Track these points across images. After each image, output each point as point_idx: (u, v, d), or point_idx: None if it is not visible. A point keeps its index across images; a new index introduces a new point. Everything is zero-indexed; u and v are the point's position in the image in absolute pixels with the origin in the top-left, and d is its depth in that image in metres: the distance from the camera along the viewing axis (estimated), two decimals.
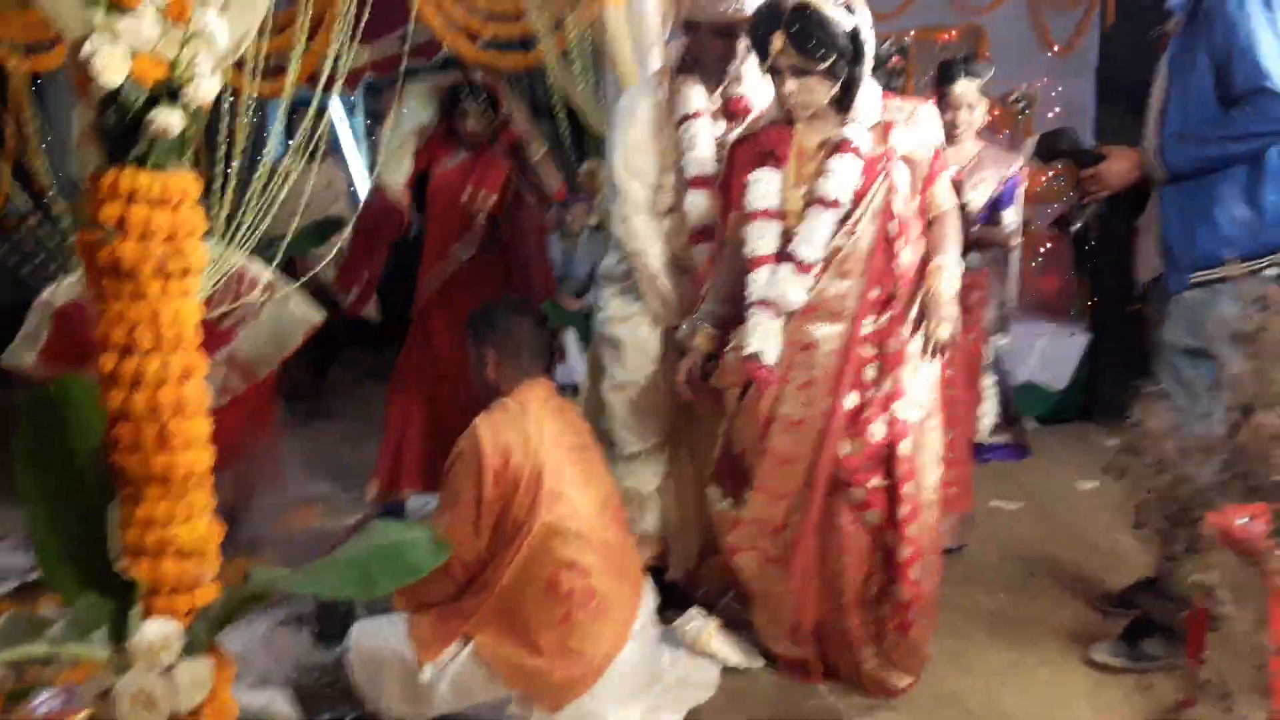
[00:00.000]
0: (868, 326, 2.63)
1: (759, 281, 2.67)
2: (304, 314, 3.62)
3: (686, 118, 2.92)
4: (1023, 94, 5.85)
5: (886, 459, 2.65)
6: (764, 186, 2.70)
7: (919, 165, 2.66)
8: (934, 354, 2.57)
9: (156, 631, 1.75)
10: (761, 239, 2.69)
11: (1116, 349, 5.14)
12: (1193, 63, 2.67)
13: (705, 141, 2.92)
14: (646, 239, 2.95)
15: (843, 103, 2.62)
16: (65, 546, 1.78)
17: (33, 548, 1.75)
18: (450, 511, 2.55)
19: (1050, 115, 5.73)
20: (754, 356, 2.64)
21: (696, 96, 2.94)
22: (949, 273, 2.61)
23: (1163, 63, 2.83)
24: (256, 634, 2.83)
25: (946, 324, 2.55)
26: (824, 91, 2.57)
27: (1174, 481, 2.02)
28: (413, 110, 3.90)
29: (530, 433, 2.59)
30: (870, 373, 2.66)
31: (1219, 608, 2.07)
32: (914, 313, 2.64)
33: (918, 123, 2.67)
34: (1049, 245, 5.84)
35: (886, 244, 2.61)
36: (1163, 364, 2.78)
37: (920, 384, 2.68)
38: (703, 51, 2.94)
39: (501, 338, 2.71)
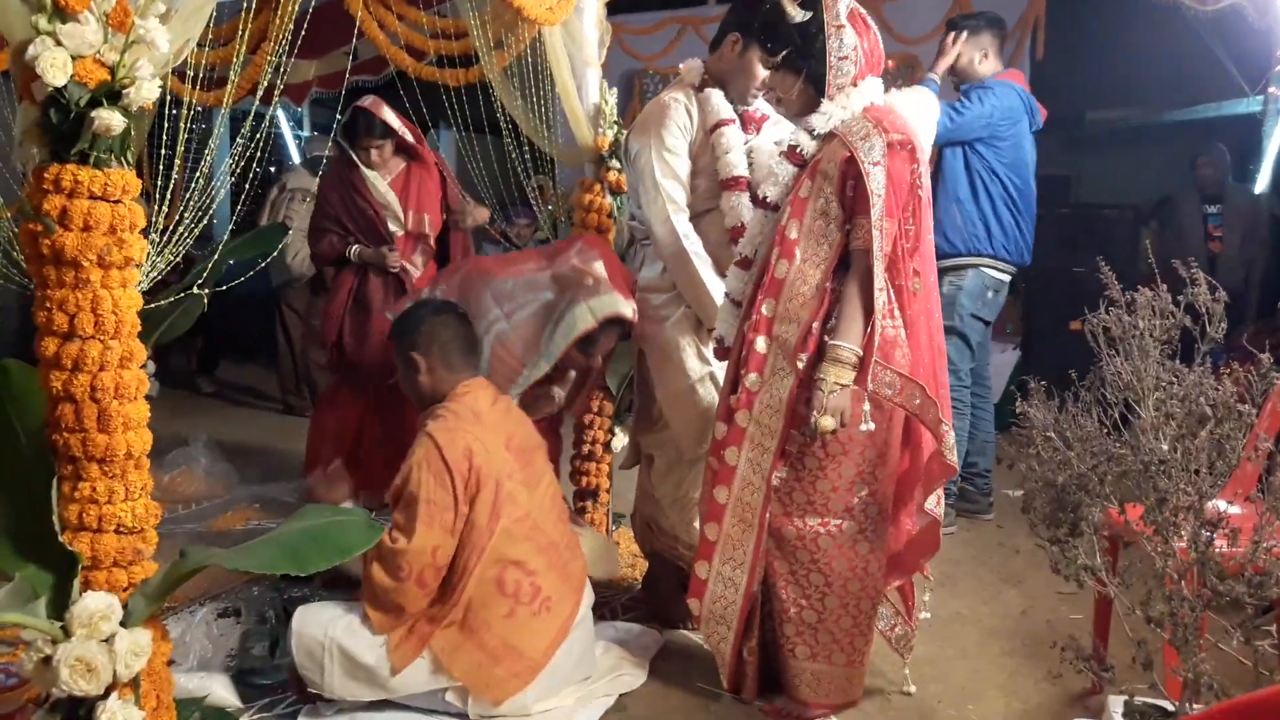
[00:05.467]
0: (748, 328, 2.62)
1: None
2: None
3: (720, 124, 3.07)
4: None
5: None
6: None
7: (831, 181, 2.48)
8: (812, 438, 2.47)
9: (97, 602, 1.83)
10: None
11: (1044, 364, 5.32)
12: None
13: (737, 145, 3.06)
14: (689, 236, 3.05)
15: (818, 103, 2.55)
16: (7, 521, 1.86)
17: None
18: (422, 520, 2.47)
19: None
20: (719, 340, 2.80)
21: (725, 106, 3.09)
22: (840, 352, 2.44)
23: None
24: (195, 621, 2.87)
25: (828, 418, 2.40)
26: (789, 85, 2.58)
27: (1055, 468, 2.15)
28: None
29: (486, 437, 2.58)
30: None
31: (1106, 589, 2.18)
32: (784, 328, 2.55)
33: (847, 137, 2.45)
34: None
35: (768, 255, 2.60)
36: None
37: (765, 406, 2.56)
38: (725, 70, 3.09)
39: (428, 341, 2.68)
